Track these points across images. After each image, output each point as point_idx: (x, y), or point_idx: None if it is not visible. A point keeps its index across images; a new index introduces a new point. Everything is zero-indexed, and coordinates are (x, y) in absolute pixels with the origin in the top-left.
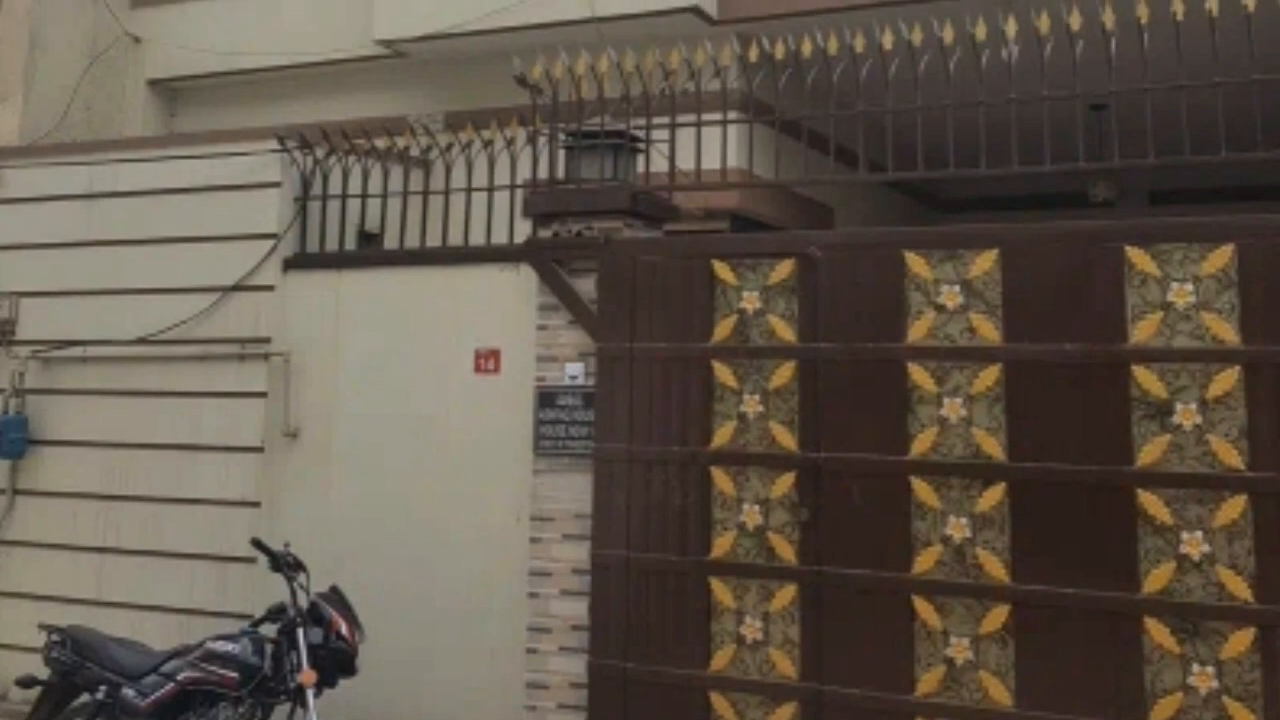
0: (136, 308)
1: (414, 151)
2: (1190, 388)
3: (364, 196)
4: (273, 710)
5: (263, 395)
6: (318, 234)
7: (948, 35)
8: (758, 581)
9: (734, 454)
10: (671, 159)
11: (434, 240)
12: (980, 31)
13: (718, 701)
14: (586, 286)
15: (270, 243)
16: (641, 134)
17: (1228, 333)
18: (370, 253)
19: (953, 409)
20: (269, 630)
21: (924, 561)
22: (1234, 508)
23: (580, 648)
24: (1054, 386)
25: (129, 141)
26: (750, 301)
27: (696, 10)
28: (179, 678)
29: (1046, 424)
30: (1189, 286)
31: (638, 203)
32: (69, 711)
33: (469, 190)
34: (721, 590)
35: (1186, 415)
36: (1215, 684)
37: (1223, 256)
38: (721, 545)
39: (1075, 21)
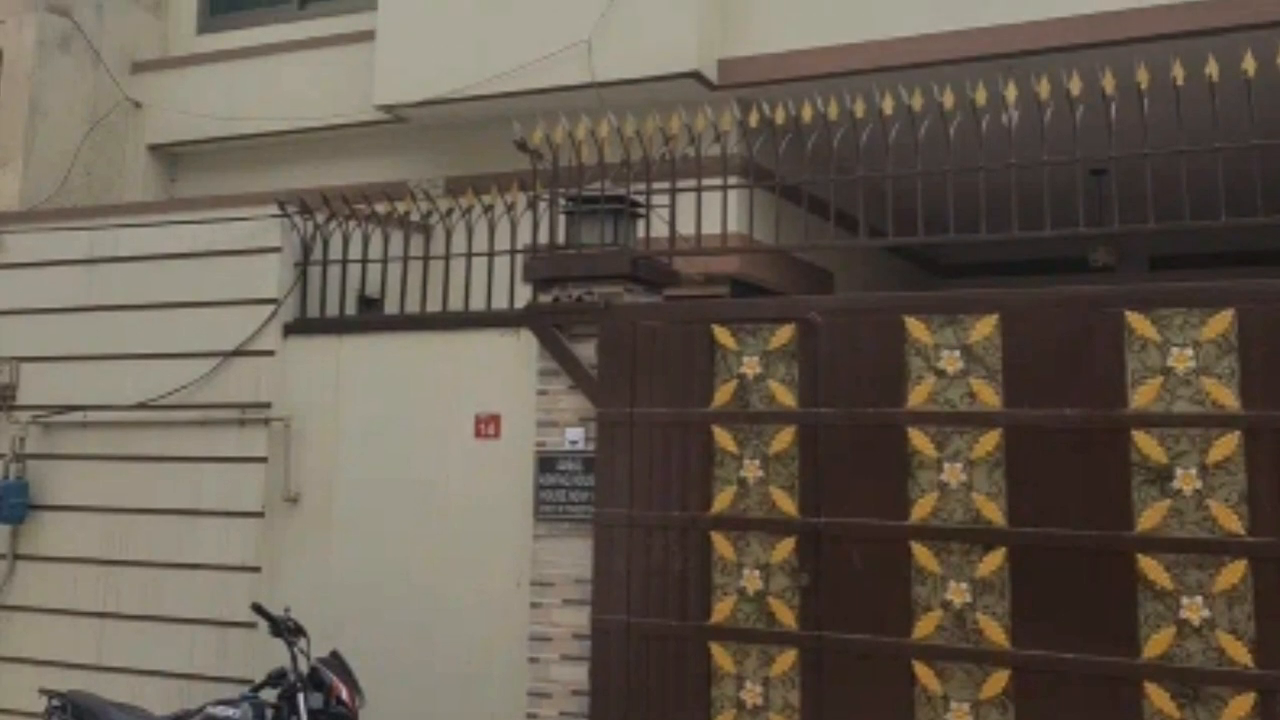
0: (137, 373)
1: (414, 216)
2: (1190, 453)
3: (364, 261)
4: None
5: (263, 460)
6: (318, 299)
7: (948, 100)
8: (758, 646)
9: (734, 519)
10: (672, 224)
11: (434, 305)
12: (980, 96)
13: None
14: (587, 351)
15: (271, 308)
16: (642, 199)
17: (1228, 398)
18: (370, 318)
19: (953, 474)
20: (269, 695)
21: (924, 626)
22: (1234, 573)
23: (581, 713)
24: (1054, 451)
25: (129, 206)
26: (750, 366)
27: (697, 76)
28: None
29: (1047, 489)
30: (1189, 351)
31: (638, 268)
32: None
33: (469, 255)
34: (722, 655)
35: (1186, 480)
36: None
37: (1223, 322)
38: (722, 610)
39: (1075, 86)
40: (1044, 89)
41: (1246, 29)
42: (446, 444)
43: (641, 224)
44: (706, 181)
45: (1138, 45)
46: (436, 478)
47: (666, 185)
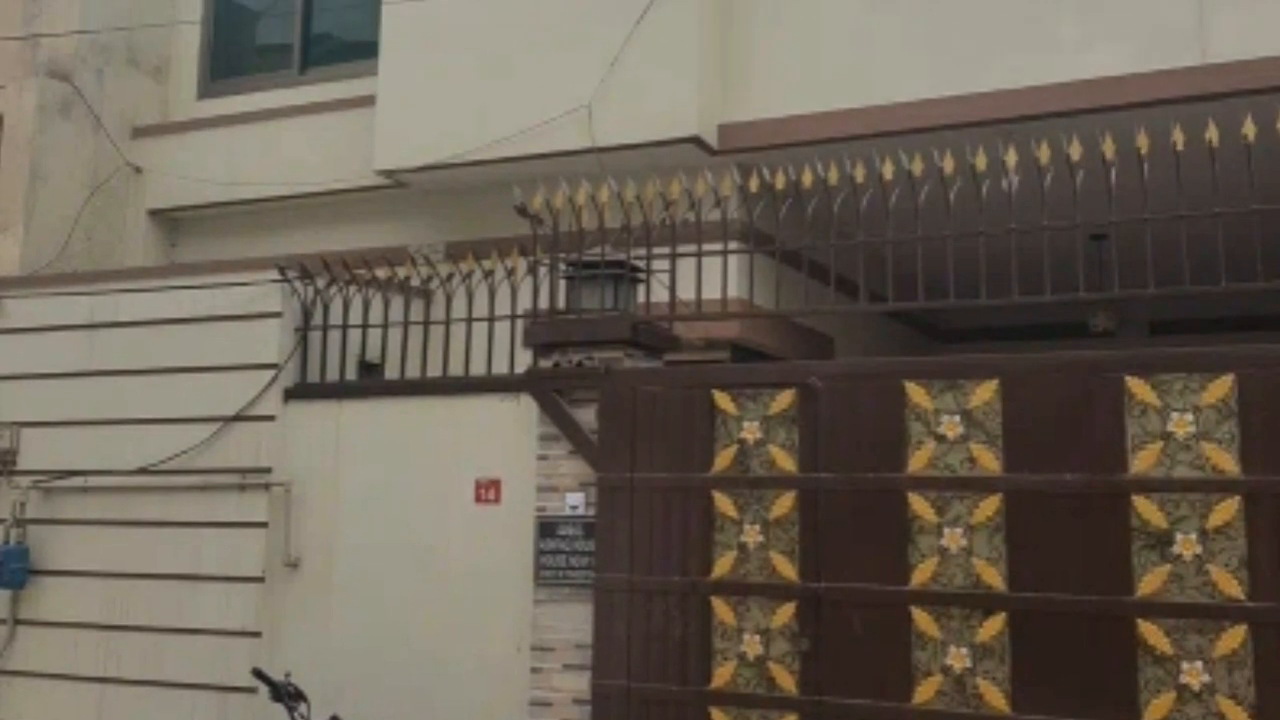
0: (137, 438)
1: (414, 281)
2: (1190, 517)
3: (365, 326)
4: None
5: (263, 525)
6: (318, 364)
7: (948, 165)
8: (758, 712)
9: (734, 584)
10: (672, 289)
11: (434, 370)
12: (980, 162)
13: None
14: (587, 416)
15: (271, 373)
16: (642, 264)
17: (1228, 463)
18: (371, 383)
19: (953, 539)
20: None
21: (924, 691)
22: (1234, 638)
23: None
24: (1054, 516)
25: (130, 272)
26: (751, 431)
27: (697, 141)
28: None
29: (1047, 554)
30: (1189, 416)
31: (638, 333)
32: None
33: (469, 320)
34: None
35: (1186, 545)
36: None
37: (1223, 387)
38: (722, 675)
39: (1075, 151)
40: (1044, 154)
41: (1246, 94)
42: (447, 509)
43: (642, 289)
44: (707, 246)
45: (1138, 110)
46: (437, 543)
47: (667, 250)
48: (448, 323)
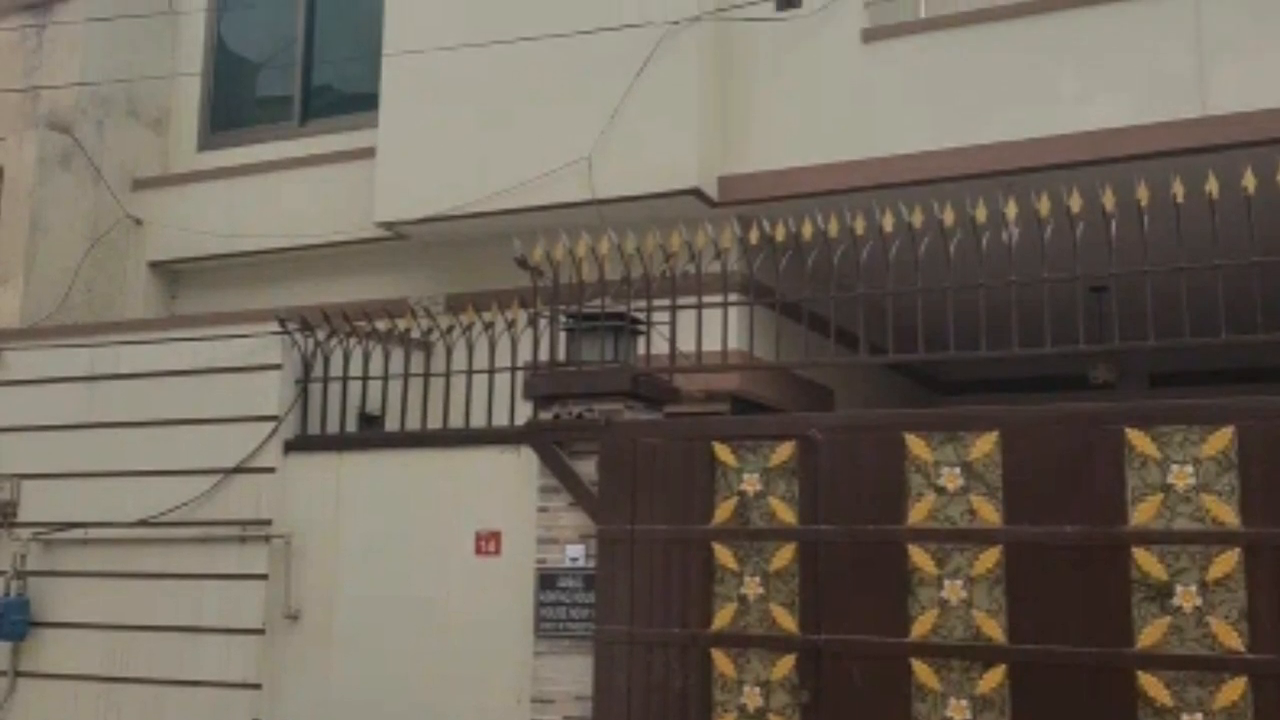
0: (138, 490)
1: (415, 333)
2: (1190, 570)
3: (365, 378)
4: None
5: (264, 577)
6: (319, 416)
7: (948, 217)
8: None
9: (734, 636)
10: (672, 341)
11: (435, 422)
12: (980, 214)
13: None
14: (587, 468)
15: (271, 425)
16: (642, 316)
17: (1228, 515)
18: (371, 435)
19: (953, 591)
20: None
21: None
22: (1234, 689)
23: None
24: (1054, 568)
25: (130, 323)
26: (751, 483)
27: (697, 193)
28: None
29: (1047, 606)
30: (1189, 468)
31: (638, 385)
32: None
33: (470, 372)
34: None
35: (1187, 597)
36: None
37: (1223, 439)
38: None
39: (1075, 203)
40: (1044, 206)
41: (1246, 146)
42: (447, 561)
43: (642, 341)
44: (707, 299)
45: (1138, 162)
46: (437, 595)
47: (667, 302)
48: (448, 375)
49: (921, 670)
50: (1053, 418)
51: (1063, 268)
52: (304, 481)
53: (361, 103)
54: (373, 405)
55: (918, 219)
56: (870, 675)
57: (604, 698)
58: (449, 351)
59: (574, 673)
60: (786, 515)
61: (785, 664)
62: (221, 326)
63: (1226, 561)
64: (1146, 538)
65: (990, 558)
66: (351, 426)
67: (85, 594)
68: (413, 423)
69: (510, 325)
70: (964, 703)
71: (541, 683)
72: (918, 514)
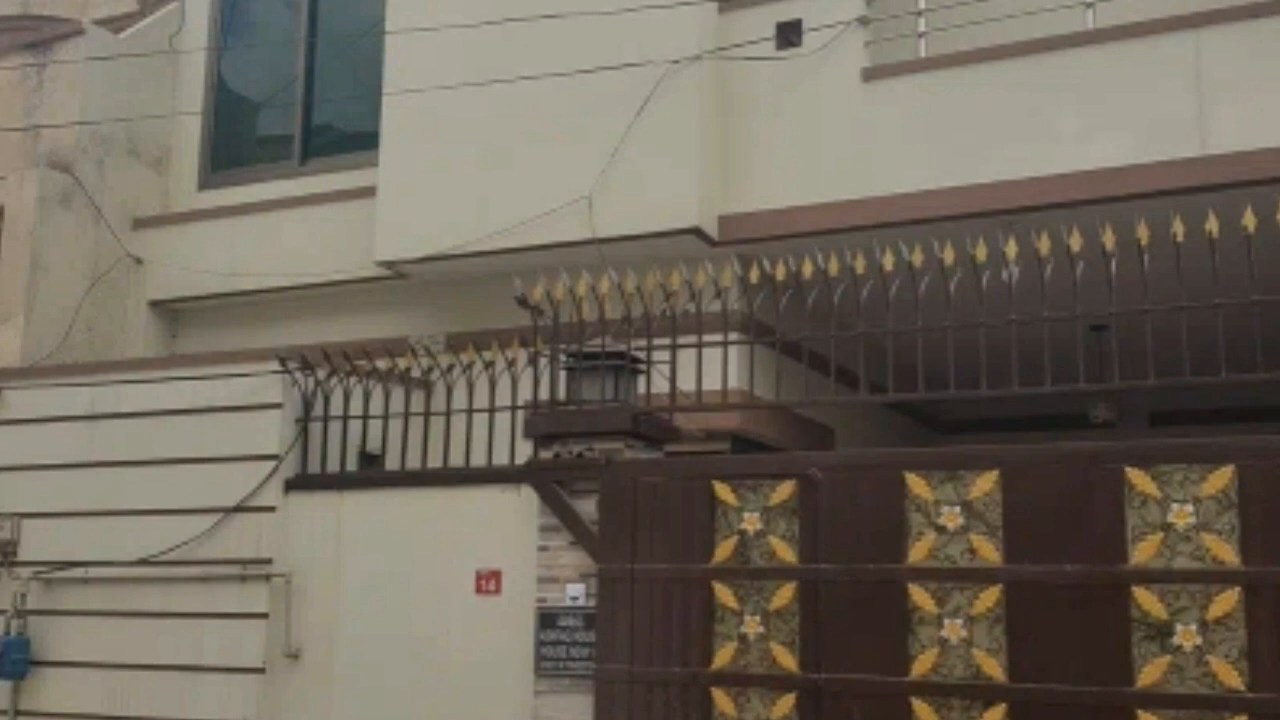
0: (138, 529)
1: (415, 372)
2: (1190, 609)
3: (365, 417)
4: None
5: (264, 616)
6: (319, 455)
7: (948, 256)
8: None
9: (735, 675)
10: (672, 380)
11: (435, 461)
12: (981, 253)
13: None
14: (588, 507)
15: (272, 464)
16: (642, 355)
17: (1228, 554)
18: (372, 474)
19: (953, 630)
20: None
21: None
22: None
23: None
24: (1054, 607)
25: (130, 363)
26: (751, 522)
27: (697, 232)
28: None
29: (1047, 645)
30: (1189, 507)
31: (639, 424)
32: None
33: (470, 411)
34: None
35: (1187, 636)
36: None
37: (1223, 478)
38: None
39: (1076, 242)
40: (1044, 245)
41: (1246, 185)
42: (447, 600)
43: (642, 380)
44: (707, 338)
45: (1138, 201)
46: (437, 634)
47: (667, 341)
48: (448, 414)
49: (922, 709)
50: (1053, 457)
51: (1063, 307)
52: (304, 520)
53: (362, 142)
54: (373, 444)
55: (918, 258)
56: (871, 714)
57: None
58: (449, 390)
59: (574, 711)
60: (787, 554)
61: (786, 703)
62: (222, 365)
63: (1227, 600)
64: (1147, 577)
65: (990, 597)
66: (352, 465)
67: (86, 633)
68: (413, 462)
69: (511, 364)
70: None
71: None
72: (918, 553)
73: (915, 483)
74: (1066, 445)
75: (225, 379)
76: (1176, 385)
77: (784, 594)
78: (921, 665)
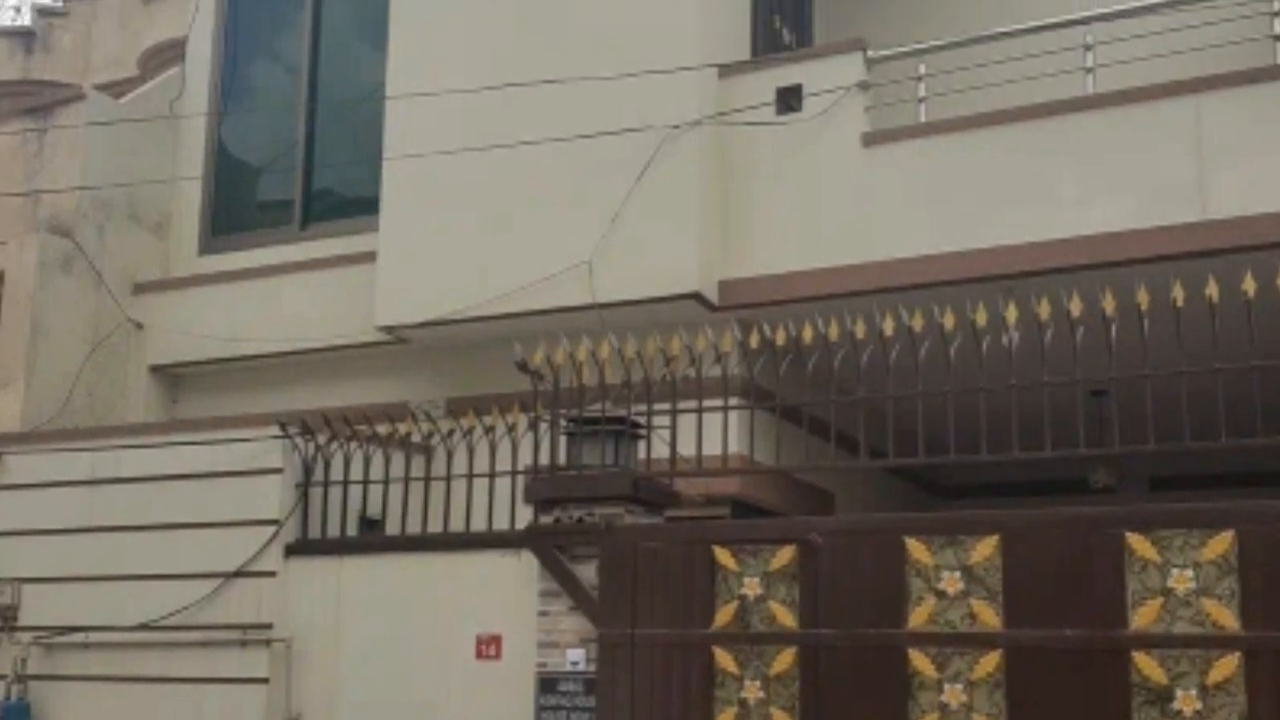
0: (139, 594)
1: (415, 437)
2: (1191, 674)
3: (365, 482)
4: None
5: (265, 681)
6: (319, 520)
7: (948, 321)
8: None
9: None
10: (673, 445)
11: (435, 526)
12: (981, 317)
13: None
14: (588, 572)
15: (272, 528)
16: (642, 420)
17: (1228, 619)
18: (372, 539)
19: (953, 695)
20: None
21: None
22: None
23: None
24: (1055, 672)
25: (131, 428)
26: (751, 587)
27: (697, 297)
28: None
29: (1047, 710)
30: (1189, 572)
31: (639, 489)
32: None
33: (470, 476)
34: None
35: (1187, 701)
36: None
37: (1223, 543)
38: None
39: (1076, 307)
40: (1044, 310)
41: (1247, 250)
42: (448, 665)
43: (642, 445)
44: (707, 403)
45: (1138, 266)
46: (438, 698)
47: (667, 406)
48: (449, 478)
49: None
50: (1053, 521)
51: (1063, 371)
52: (305, 585)
53: (362, 206)
54: (373, 509)
55: (918, 323)
56: None
57: None
58: (449, 455)
59: None
60: (787, 619)
61: None
62: (222, 430)
63: (1227, 665)
64: (1147, 641)
65: (990, 661)
66: (352, 530)
67: (86, 698)
68: (413, 526)
69: (511, 429)
70: None
71: None
72: (918, 618)
73: (915, 547)
74: (1066, 510)
75: (226, 444)
76: (1176, 450)
77: (784, 659)
78: None
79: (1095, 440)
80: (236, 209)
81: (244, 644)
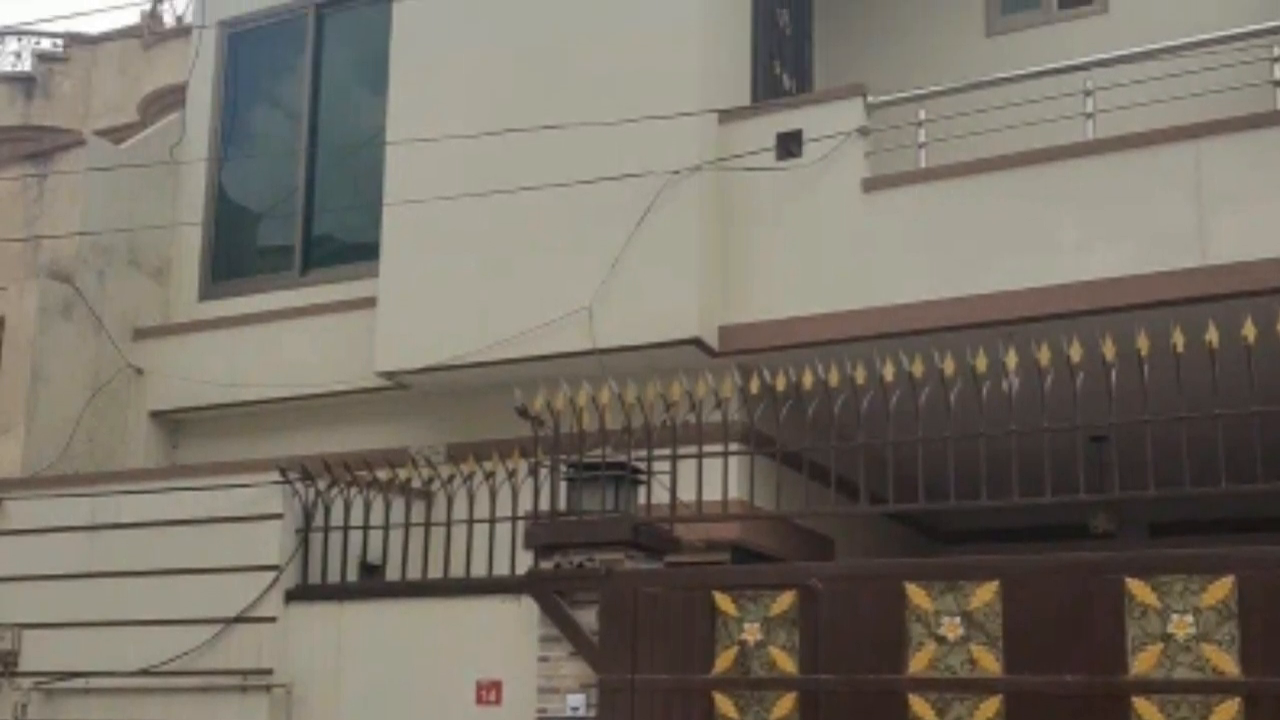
0: (139, 639)
1: (416, 483)
2: (1190, 719)
3: (366, 528)
4: None
5: None
6: (320, 565)
7: (948, 367)
8: None
9: None
10: (673, 490)
11: (436, 571)
12: (981, 363)
13: None
14: (588, 618)
15: (272, 574)
16: (643, 465)
17: (1228, 664)
18: (372, 584)
19: None
20: None
21: None
22: None
23: None
24: (1055, 718)
25: (131, 473)
26: (751, 633)
27: (698, 343)
28: None
29: None
30: (1189, 618)
31: (639, 534)
32: None
33: (470, 521)
34: None
35: None
36: None
37: (1223, 588)
38: None
39: (1076, 353)
40: (1044, 355)
41: (1246, 296)
42: (448, 710)
43: (642, 490)
44: (707, 448)
45: (1138, 312)
46: None
47: (668, 452)
48: (449, 524)
49: None
50: (1053, 567)
51: (1063, 417)
52: (305, 631)
53: (362, 252)
54: (374, 554)
55: (918, 368)
56: None
57: None
58: (450, 501)
59: None
60: (787, 664)
61: None
62: (222, 476)
63: (1226, 711)
64: (1147, 687)
65: (991, 707)
66: (352, 576)
67: None
68: (414, 572)
69: (511, 475)
70: None
71: None
72: (918, 663)
73: (915, 593)
74: (1067, 555)
75: (226, 489)
76: (1176, 496)
77: (784, 704)
78: None
79: (1095, 485)
80: (237, 254)
81: (244, 689)
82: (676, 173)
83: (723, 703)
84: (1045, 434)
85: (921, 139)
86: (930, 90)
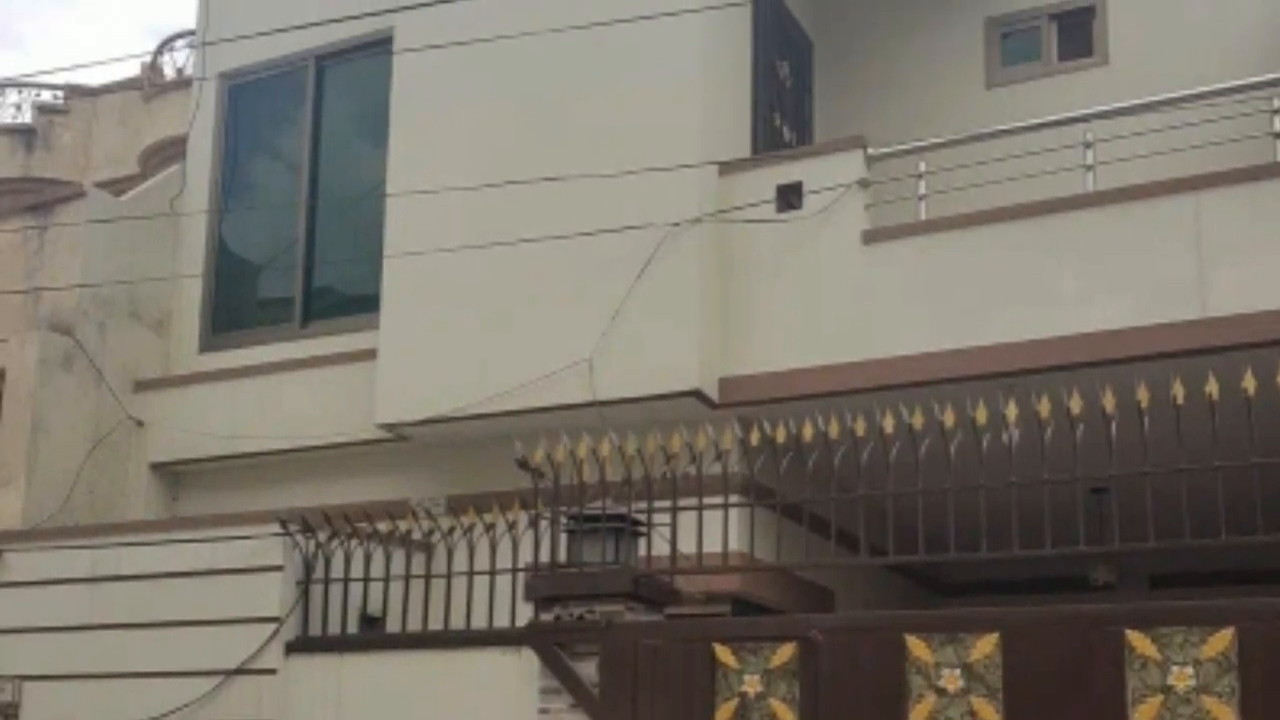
0: (139, 691)
1: (416, 535)
2: None
3: (366, 580)
4: None
5: None
6: (320, 617)
7: (949, 419)
8: None
9: None
10: (673, 542)
11: (436, 623)
12: (981, 415)
13: None
14: (588, 669)
15: (273, 626)
16: (643, 517)
17: (1228, 716)
18: (373, 636)
19: None
20: None
21: None
22: None
23: None
24: None
25: (131, 525)
26: (751, 685)
27: (698, 394)
28: None
29: None
30: (1189, 670)
31: (639, 586)
32: None
33: (470, 573)
34: None
35: None
36: None
37: (1223, 640)
38: None
39: (1076, 405)
40: (1044, 407)
41: (1246, 348)
42: None
43: (643, 542)
44: (708, 500)
45: (1138, 364)
46: None
47: (668, 504)
48: (449, 576)
49: None
50: (1053, 619)
51: (1063, 469)
52: (305, 683)
53: (362, 304)
54: (374, 606)
55: (918, 420)
56: None
57: None
58: (450, 553)
59: None
60: (787, 716)
61: None
62: (223, 528)
63: None
64: None
65: None
66: (353, 628)
67: None
68: (414, 624)
69: (511, 526)
70: None
71: None
72: (918, 715)
73: (915, 645)
74: (1067, 607)
75: (226, 541)
76: (1177, 547)
77: None
78: None
79: (1095, 538)
80: (237, 306)
81: None
82: (677, 225)
83: None
84: (1045, 486)
85: (922, 191)
86: (930, 142)
